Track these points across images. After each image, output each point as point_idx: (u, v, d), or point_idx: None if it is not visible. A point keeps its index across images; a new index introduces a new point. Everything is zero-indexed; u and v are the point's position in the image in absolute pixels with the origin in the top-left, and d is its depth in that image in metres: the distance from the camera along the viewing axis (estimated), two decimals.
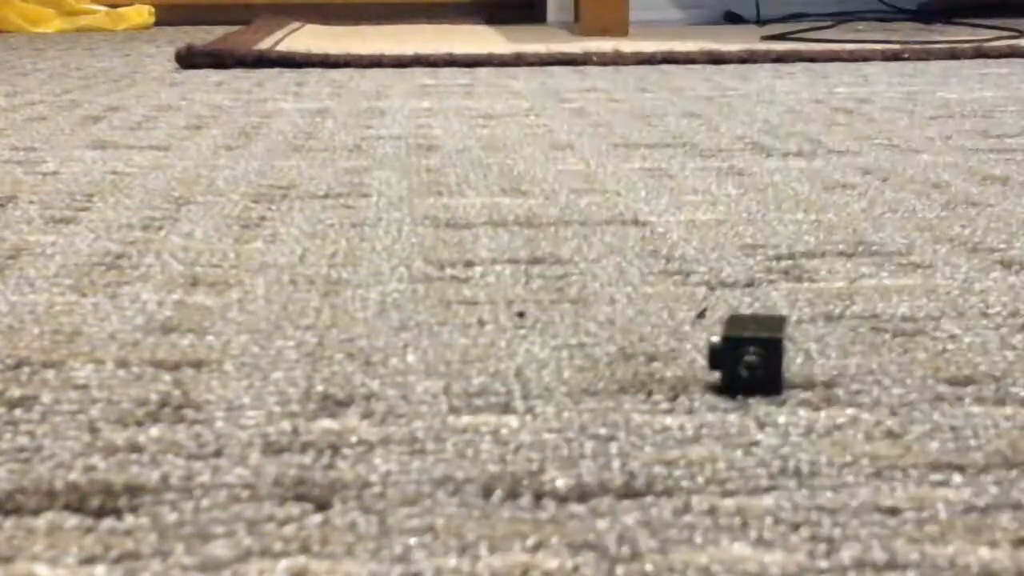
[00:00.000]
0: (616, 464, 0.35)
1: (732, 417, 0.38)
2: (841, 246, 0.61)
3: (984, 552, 0.30)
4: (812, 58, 1.70)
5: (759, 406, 0.39)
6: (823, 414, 0.39)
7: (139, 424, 0.38)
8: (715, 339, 0.40)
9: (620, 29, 2.17)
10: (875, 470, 0.34)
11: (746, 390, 0.40)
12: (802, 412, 0.39)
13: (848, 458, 0.35)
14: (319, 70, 1.63)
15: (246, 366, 0.43)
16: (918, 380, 0.42)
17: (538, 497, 0.33)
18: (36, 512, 0.32)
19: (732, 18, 2.56)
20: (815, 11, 2.47)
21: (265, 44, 1.97)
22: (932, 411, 0.39)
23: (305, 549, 0.30)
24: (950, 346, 0.45)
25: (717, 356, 0.40)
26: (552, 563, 0.29)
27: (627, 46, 1.79)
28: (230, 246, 0.61)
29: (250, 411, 0.39)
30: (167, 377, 0.42)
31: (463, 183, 0.78)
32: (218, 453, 0.35)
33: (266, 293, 0.52)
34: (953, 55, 1.72)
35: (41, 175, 0.81)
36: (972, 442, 0.36)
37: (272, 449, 0.36)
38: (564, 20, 2.63)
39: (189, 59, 1.66)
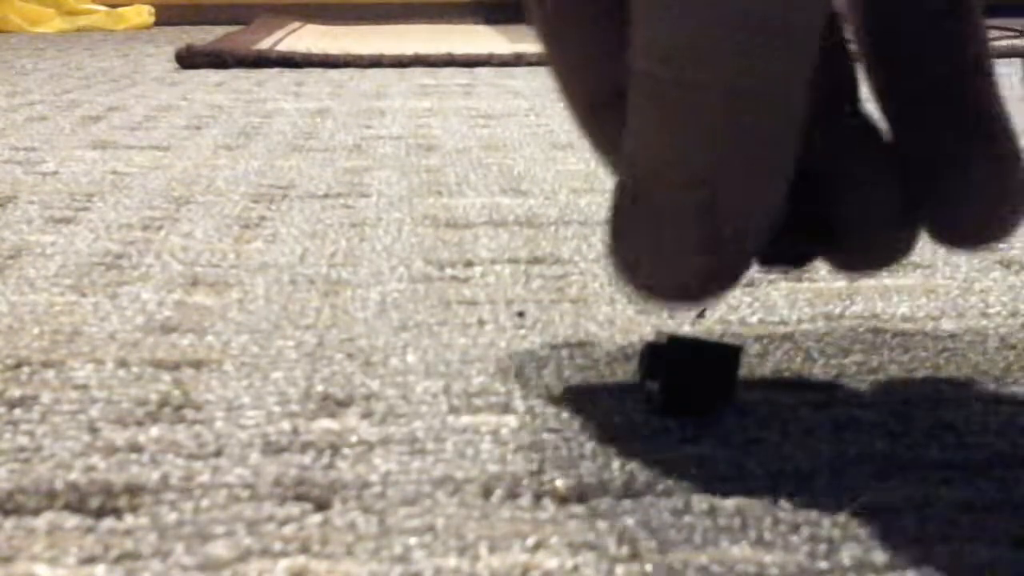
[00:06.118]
0: (616, 464, 0.35)
1: (732, 417, 0.38)
2: None
3: (984, 552, 0.30)
4: None
5: (759, 406, 0.39)
6: (823, 414, 0.39)
7: (139, 424, 0.38)
8: (657, 338, 0.37)
9: None
10: (875, 470, 0.34)
11: (680, 405, 0.37)
12: (802, 412, 0.39)
13: (848, 458, 0.35)
14: (319, 70, 1.63)
15: (246, 366, 0.43)
16: (918, 380, 0.42)
17: (538, 497, 0.33)
18: (36, 512, 0.32)
19: None
20: None
21: (265, 44, 1.97)
22: (932, 411, 0.39)
23: (305, 549, 0.30)
24: (950, 346, 0.45)
25: (652, 361, 0.37)
26: (552, 563, 0.29)
27: None
28: (230, 246, 0.61)
29: (250, 411, 0.39)
30: (167, 377, 0.42)
31: (463, 183, 0.78)
32: (218, 453, 0.35)
33: (266, 293, 0.52)
34: None
35: (41, 175, 0.81)
36: (972, 442, 0.36)
37: (272, 449, 0.36)
38: None
39: (189, 59, 1.66)
